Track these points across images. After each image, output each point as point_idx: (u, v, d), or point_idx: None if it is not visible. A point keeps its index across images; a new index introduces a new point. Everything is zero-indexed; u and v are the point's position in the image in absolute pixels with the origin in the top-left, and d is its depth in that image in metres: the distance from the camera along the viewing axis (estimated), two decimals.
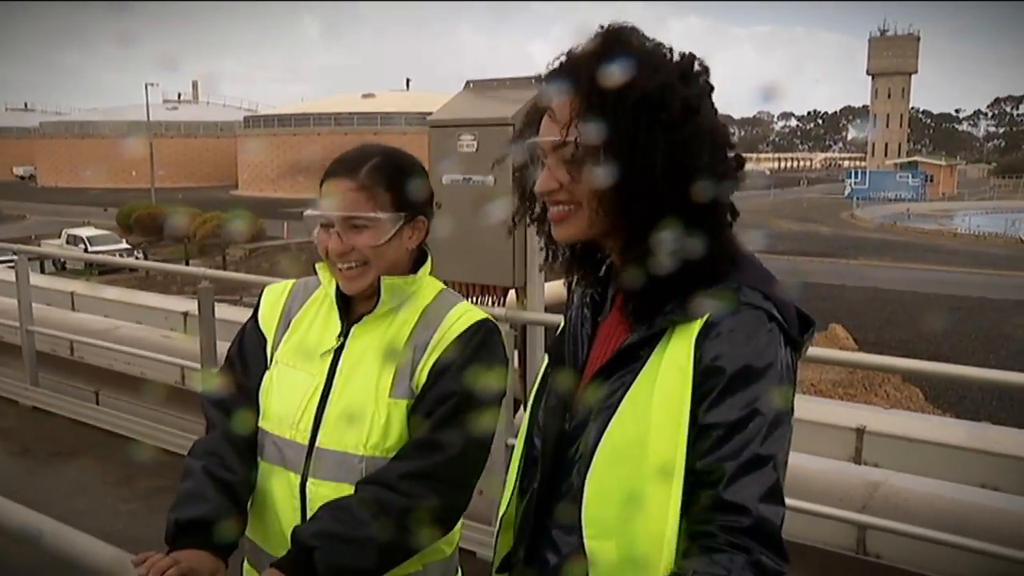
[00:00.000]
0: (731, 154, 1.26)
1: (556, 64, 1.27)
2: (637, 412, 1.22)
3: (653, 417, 1.20)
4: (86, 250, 33.55)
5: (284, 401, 1.71)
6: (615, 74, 1.19)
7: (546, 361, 1.47)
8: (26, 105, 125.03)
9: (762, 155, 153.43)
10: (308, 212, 1.68)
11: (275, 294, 1.85)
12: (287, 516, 1.68)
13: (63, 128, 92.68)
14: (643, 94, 1.18)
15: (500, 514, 1.47)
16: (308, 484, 1.66)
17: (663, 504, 1.18)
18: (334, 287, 1.73)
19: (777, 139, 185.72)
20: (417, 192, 1.71)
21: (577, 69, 1.23)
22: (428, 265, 1.76)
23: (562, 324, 1.48)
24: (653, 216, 1.20)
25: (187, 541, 1.55)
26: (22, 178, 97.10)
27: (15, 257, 6.46)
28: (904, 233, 52.12)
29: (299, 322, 1.77)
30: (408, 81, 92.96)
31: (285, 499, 1.68)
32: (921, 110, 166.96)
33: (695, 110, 1.21)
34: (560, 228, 1.29)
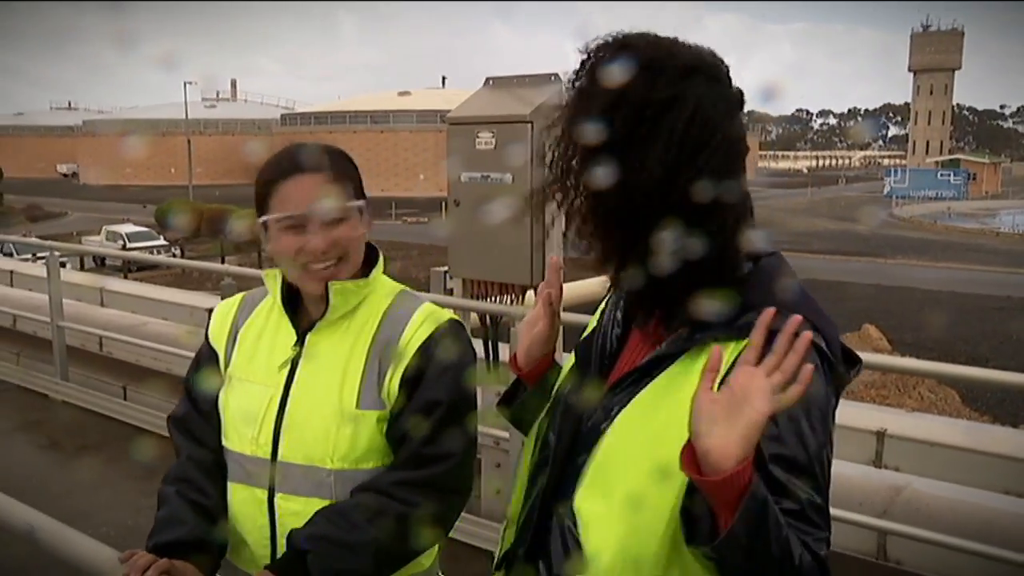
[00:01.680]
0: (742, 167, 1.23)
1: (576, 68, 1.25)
2: (647, 412, 1.21)
3: (662, 417, 1.18)
4: (125, 246, 34.02)
5: (242, 416, 1.65)
6: (617, 78, 1.17)
7: (571, 360, 1.44)
8: (70, 104, 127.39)
9: (800, 153, 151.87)
10: (275, 216, 1.58)
11: (225, 308, 1.78)
12: (254, 534, 1.65)
13: (105, 126, 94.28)
14: (646, 100, 1.16)
15: (508, 512, 1.46)
16: (276, 499, 1.62)
17: (661, 507, 1.16)
18: (280, 295, 1.68)
19: (815, 137, 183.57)
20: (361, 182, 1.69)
21: (593, 97, 1.20)
22: (380, 264, 1.71)
23: (591, 324, 1.45)
24: (658, 222, 1.18)
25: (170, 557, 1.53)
26: (65, 175, 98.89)
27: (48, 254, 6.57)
28: (944, 232, 51.31)
29: (246, 334, 1.72)
30: (444, 79, 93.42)
31: (252, 516, 1.64)
32: (965, 107, 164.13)
33: (706, 118, 1.17)
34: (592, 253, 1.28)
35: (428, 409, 1.59)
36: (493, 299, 4.30)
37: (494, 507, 4.09)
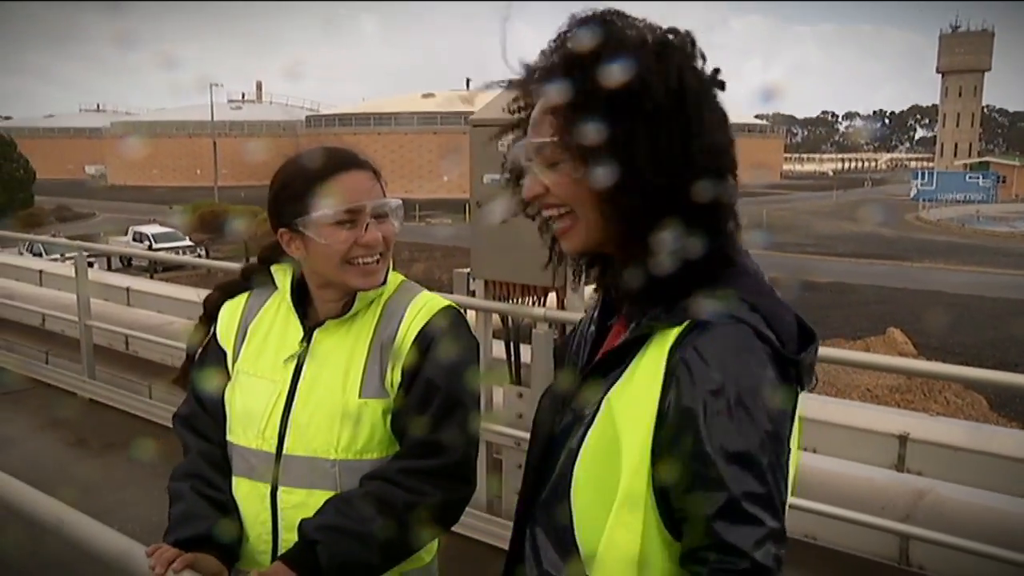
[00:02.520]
0: (729, 151, 1.18)
1: (531, 65, 1.21)
2: (610, 422, 1.16)
3: (620, 427, 1.14)
4: (151, 247, 34.36)
5: (248, 411, 1.68)
6: (586, 67, 1.12)
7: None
8: (98, 106, 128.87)
9: (825, 155, 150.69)
10: (332, 209, 1.58)
11: (232, 307, 1.80)
12: (256, 528, 1.67)
13: (132, 128, 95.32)
14: (619, 85, 1.10)
15: None
16: (279, 492, 1.64)
17: (631, 527, 1.13)
18: (289, 292, 1.70)
19: (841, 139, 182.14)
20: None
21: (549, 67, 1.17)
22: (389, 266, 1.72)
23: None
24: (643, 215, 1.13)
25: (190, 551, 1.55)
26: (93, 176, 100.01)
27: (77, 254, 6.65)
28: (972, 235, 50.70)
29: (255, 330, 1.74)
30: (468, 81, 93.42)
31: (254, 510, 1.67)
32: (995, 108, 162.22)
33: (680, 98, 1.12)
34: (564, 240, 1.24)
35: (428, 398, 1.61)
36: (515, 300, 4.31)
37: (515, 508, 4.09)
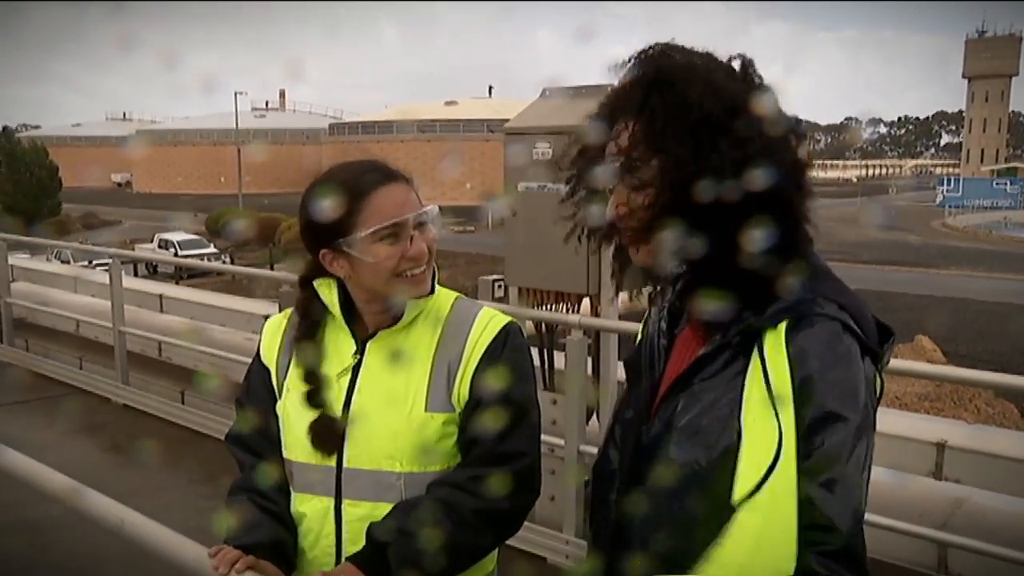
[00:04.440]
0: (798, 162, 1.24)
1: (607, 97, 1.28)
2: (724, 429, 1.20)
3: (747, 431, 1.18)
4: (176, 254, 34.66)
5: (304, 427, 1.67)
6: (672, 98, 1.19)
7: (623, 373, 1.47)
8: (125, 115, 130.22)
9: (848, 162, 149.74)
10: (380, 225, 1.58)
11: (274, 326, 1.81)
12: (321, 542, 1.68)
13: (157, 136, 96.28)
14: (702, 115, 1.18)
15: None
16: (344, 506, 1.65)
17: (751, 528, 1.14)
18: (338, 305, 1.69)
19: (865, 146, 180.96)
20: None
21: (628, 98, 1.24)
22: (435, 272, 1.72)
23: (639, 336, 1.47)
24: (721, 230, 1.19)
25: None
26: (119, 184, 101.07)
27: (110, 260, 6.74)
28: (1000, 242, 50.17)
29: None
30: (491, 88, 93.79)
31: (318, 525, 1.68)
32: (1022, 114, 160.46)
33: (757, 126, 1.19)
34: (642, 257, 1.29)
35: (499, 408, 1.63)
36: (549, 307, 4.33)
37: (548, 514, 4.11)
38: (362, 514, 1.63)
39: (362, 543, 1.59)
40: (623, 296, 4.27)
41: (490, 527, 1.63)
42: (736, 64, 1.25)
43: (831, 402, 1.13)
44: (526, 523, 4.07)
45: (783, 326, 1.18)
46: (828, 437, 1.11)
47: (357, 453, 1.64)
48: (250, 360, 1.85)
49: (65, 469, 1.99)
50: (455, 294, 1.77)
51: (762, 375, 1.18)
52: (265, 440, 1.74)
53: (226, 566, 1.49)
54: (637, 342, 1.46)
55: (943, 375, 4.38)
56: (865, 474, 1.15)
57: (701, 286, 1.25)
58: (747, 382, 1.20)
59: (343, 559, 1.63)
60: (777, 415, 1.15)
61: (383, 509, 1.61)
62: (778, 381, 1.17)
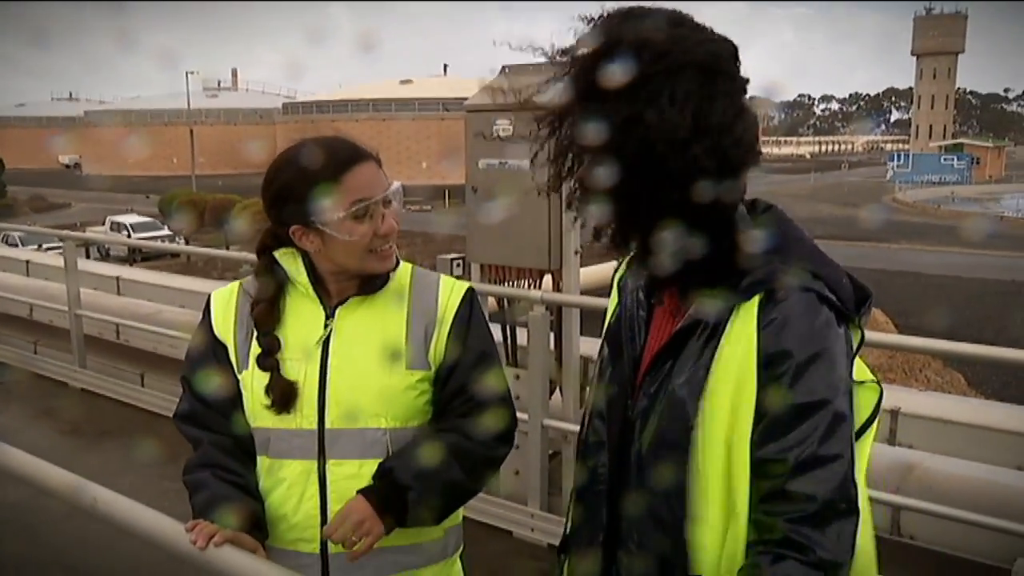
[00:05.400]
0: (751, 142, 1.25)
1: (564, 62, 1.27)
2: (704, 400, 1.24)
3: (714, 405, 1.22)
4: (129, 236, 34.06)
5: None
6: (611, 70, 1.18)
7: (605, 348, 1.48)
8: (71, 95, 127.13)
9: (802, 138, 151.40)
10: (356, 204, 1.63)
11: (223, 300, 1.81)
12: (304, 505, 1.70)
13: (107, 117, 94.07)
14: (638, 82, 1.17)
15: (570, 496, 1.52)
16: (328, 466, 1.69)
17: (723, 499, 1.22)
18: (306, 275, 1.72)
19: (818, 123, 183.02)
20: None
21: (578, 68, 1.24)
22: None
23: (610, 309, 1.49)
24: (677, 205, 1.21)
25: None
26: (67, 166, 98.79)
27: (63, 244, 6.63)
28: (948, 217, 51.21)
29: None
30: (446, 67, 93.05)
31: (300, 488, 1.70)
32: (968, 91, 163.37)
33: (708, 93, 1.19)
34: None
35: (478, 361, 1.74)
36: (511, 283, 4.36)
37: (513, 488, 4.16)
38: (348, 472, 1.68)
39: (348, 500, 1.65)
40: (584, 272, 4.32)
41: (487, 469, 1.76)
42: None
43: (808, 386, 1.17)
44: (491, 497, 4.13)
45: (756, 300, 1.21)
46: (802, 422, 1.16)
47: (340, 413, 1.68)
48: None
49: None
50: (410, 264, 1.84)
51: (733, 351, 1.21)
52: (218, 416, 1.75)
53: (204, 540, 1.50)
54: (615, 313, 1.47)
55: (896, 344, 4.51)
56: (844, 446, 1.18)
57: (668, 258, 1.26)
58: (716, 357, 1.22)
59: (329, 519, 1.67)
60: (745, 390, 1.19)
61: (369, 466, 1.67)
62: (745, 357, 1.20)
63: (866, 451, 1.30)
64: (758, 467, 1.19)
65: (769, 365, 1.18)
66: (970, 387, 16.18)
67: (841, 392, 1.19)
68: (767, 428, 1.18)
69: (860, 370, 1.31)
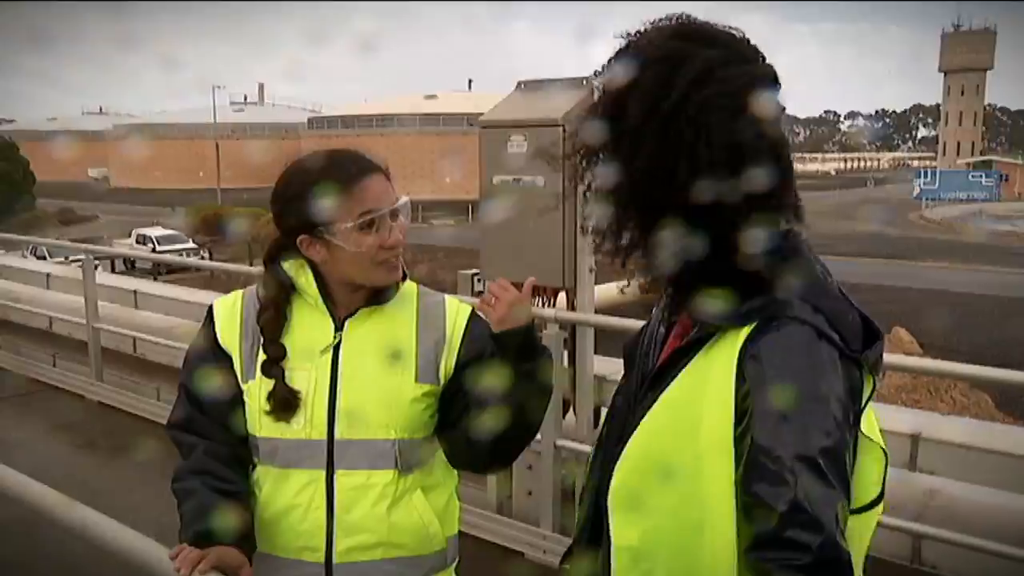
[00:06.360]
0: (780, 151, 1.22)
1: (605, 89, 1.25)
2: (666, 420, 1.21)
3: (679, 427, 1.19)
4: (154, 250, 34.43)
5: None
6: (619, 78, 1.18)
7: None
8: (101, 109, 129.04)
9: (827, 155, 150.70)
10: (365, 215, 1.65)
11: (228, 309, 1.80)
12: (310, 514, 1.70)
13: (135, 131, 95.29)
14: (643, 99, 1.17)
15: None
16: (336, 476, 1.69)
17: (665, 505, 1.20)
18: (314, 285, 1.73)
19: (843, 139, 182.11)
20: None
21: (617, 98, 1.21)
22: None
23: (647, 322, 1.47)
24: (697, 216, 1.17)
25: (211, 545, 1.55)
26: (96, 179, 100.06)
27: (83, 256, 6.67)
28: (976, 234, 50.65)
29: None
30: (470, 82, 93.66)
31: (307, 498, 1.70)
32: (997, 107, 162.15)
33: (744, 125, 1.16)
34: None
35: (492, 372, 1.73)
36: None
37: (526, 509, 4.11)
38: (357, 483, 1.70)
39: (356, 511, 1.69)
40: (598, 290, 4.27)
41: (540, 410, 1.76)
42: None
43: (792, 417, 1.08)
44: (503, 518, 4.08)
45: (747, 328, 1.15)
46: (784, 454, 1.07)
47: (350, 424, 1.70)
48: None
49: (39, 467, 1.97)
50: (415, 283, 1.87)
51: (714, 375, 1.17)
52: (215, 424, 1.73)
53: (188, 567, 1.47)
54: (640, 328, 1.46)
55: (920, 368, 4.41)
56: (832, 490, 1.07)
57: (690, 279, 1.23)
58: (700, 382, 1.18)
59: (334, 528, 1.69)
60: (719, 421, 1.14)
61: (378, 476, 1.70)
62: (722, 388, 1.14)
63: (867, 532, 1.21)
64: (744, 503, 1.12)
65: (746, 397, 1.12)
66: (998, 408, 15.89)
67: (827, 439, 1.09)
68: (747, 465, 1.11)
69: (869, 424, 1.20)
